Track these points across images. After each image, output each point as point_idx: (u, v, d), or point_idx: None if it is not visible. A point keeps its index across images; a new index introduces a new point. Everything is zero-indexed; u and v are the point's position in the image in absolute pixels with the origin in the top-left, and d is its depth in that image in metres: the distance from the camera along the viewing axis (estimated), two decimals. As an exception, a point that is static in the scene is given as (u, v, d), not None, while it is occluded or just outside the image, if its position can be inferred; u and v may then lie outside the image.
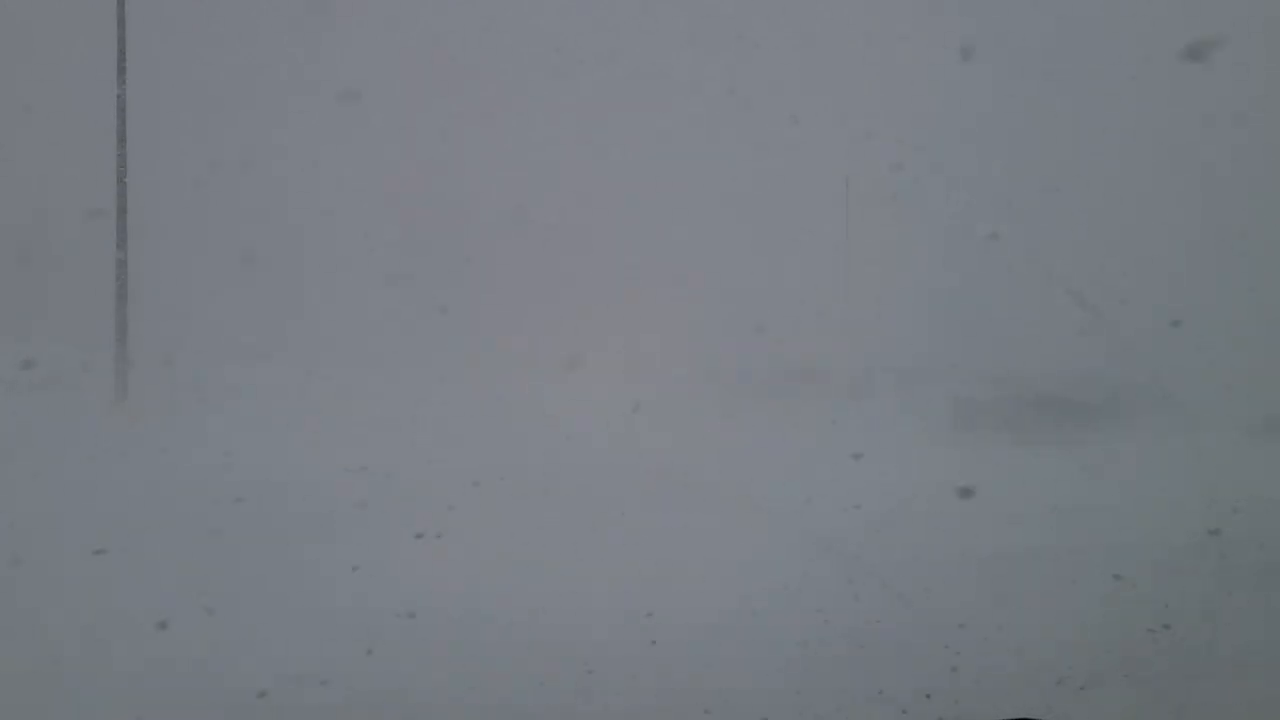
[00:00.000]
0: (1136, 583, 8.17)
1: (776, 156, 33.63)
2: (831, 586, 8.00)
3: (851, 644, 6.67)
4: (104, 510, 10.02)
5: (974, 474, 14.07)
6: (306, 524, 9.92)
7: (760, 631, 7.03)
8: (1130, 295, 25.51)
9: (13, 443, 10.40)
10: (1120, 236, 27.44)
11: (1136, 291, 25.79)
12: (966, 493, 10.45)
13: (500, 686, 5.95)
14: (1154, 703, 5.74)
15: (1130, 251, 26.14)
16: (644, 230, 30.88)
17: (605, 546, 9.48)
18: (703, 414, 20.19)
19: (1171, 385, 21.29)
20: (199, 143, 29.07)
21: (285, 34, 31.70)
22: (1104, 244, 27.87)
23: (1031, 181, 31.46)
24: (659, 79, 33.81)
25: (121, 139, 20.28)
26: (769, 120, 33.56)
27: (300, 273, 25.12)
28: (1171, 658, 6.42)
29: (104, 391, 19.06)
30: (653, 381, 21.46)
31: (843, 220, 34.36)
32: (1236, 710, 5.62)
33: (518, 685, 5.92)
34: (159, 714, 5.50)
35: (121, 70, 20.32)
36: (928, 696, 5.66)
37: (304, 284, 24.44)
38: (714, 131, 33.79)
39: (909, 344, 28.11)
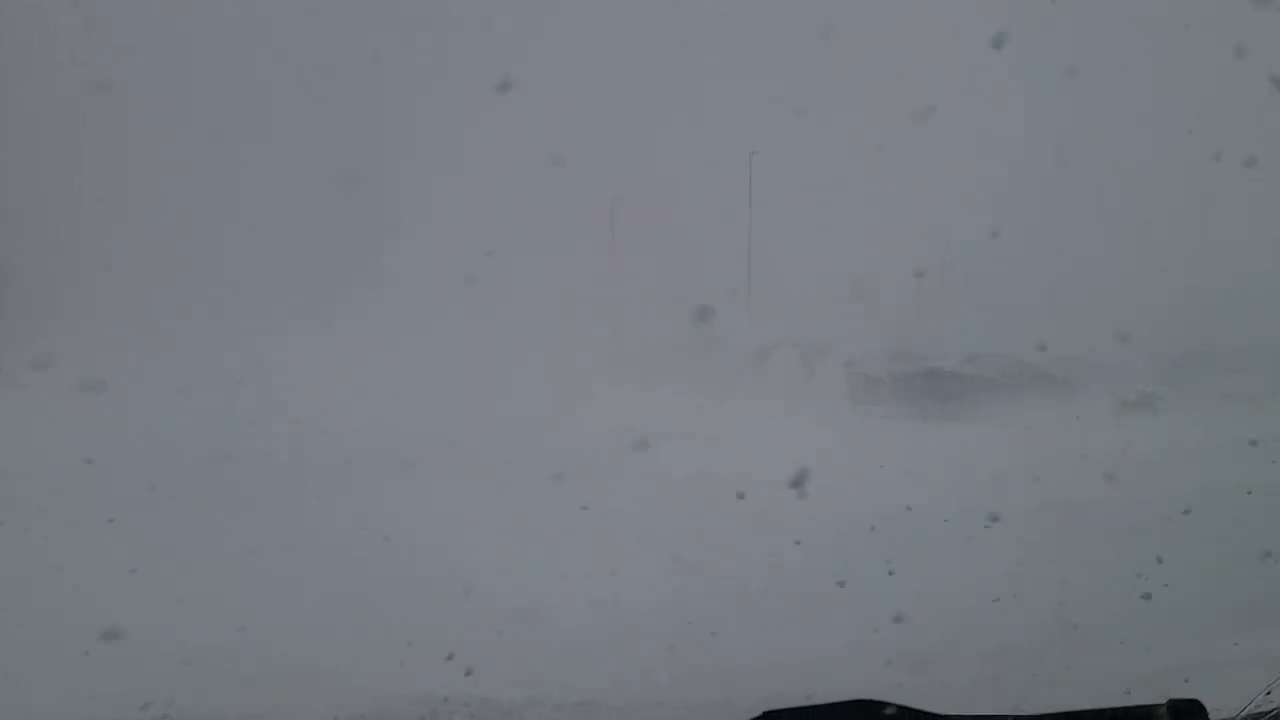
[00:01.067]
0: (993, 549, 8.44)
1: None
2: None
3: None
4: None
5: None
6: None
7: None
8: (1024, 277, 26.51)
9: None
10: (1008, 219, 28.31)
11: (1030, 273, 26.77)
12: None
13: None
14: (1001, 674, 5.67)
15: (1019, 235, 27.03)
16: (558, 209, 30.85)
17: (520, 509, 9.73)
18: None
19: (1055, 362, 22.17)
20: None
21: None
22: (1001, 229, 28.69)
23: (940, 169, 32.24)
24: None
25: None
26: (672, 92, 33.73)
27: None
28: (1021, 628, 6.52)
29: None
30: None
31: (745, 194, 34.82)
32: (1089, 680, 5.83)
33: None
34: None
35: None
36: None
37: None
38: (623, 105, 33.86)
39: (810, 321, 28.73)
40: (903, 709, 1.99)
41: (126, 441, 12.56)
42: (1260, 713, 1.98)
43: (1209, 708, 2.01)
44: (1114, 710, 2.04)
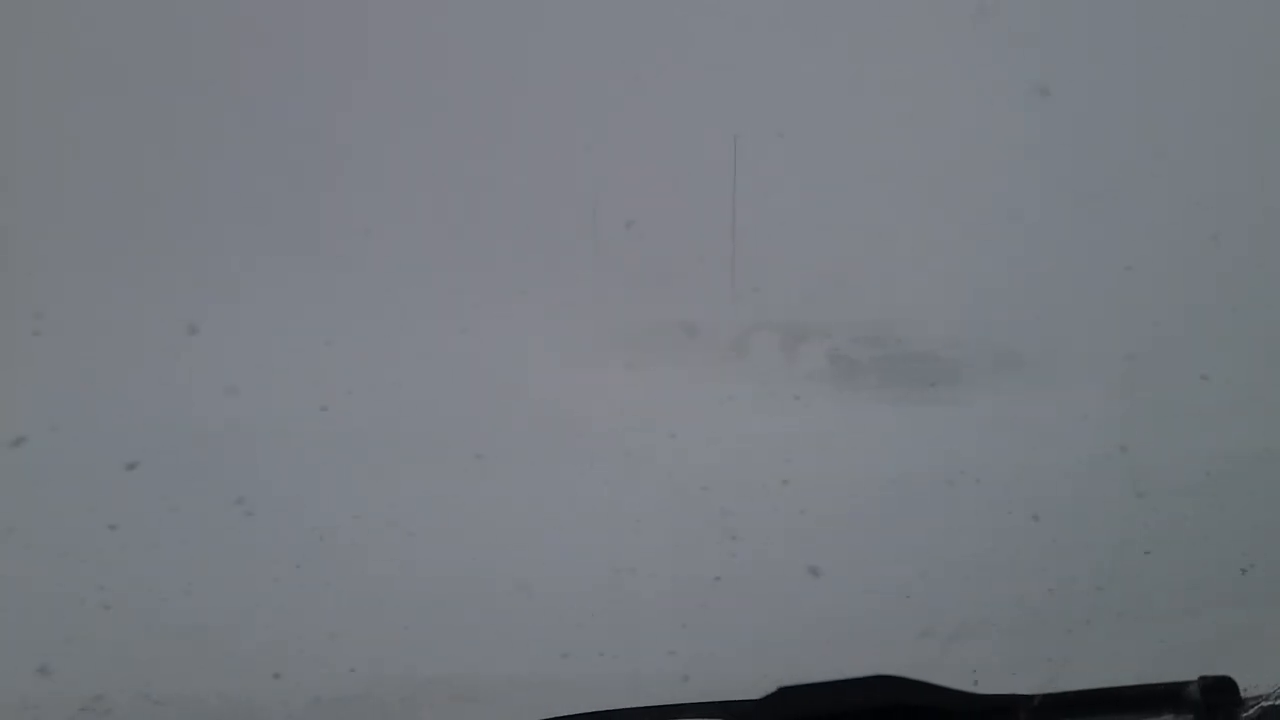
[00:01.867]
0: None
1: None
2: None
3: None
4: None
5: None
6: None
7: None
8: (996, 261, 26.53)
9: None
10: (983, 204, 28.38)
11: (1002, 258, 26.81)
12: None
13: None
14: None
15: (993, 218, 27.09)
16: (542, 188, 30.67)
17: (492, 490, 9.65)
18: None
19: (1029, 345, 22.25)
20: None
21: None
22: (973, 215, 28.73)
23: (913, 149, 32.21)
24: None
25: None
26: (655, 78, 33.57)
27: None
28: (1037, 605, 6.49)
29: None
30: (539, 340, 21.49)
31: (730, 178, 34.66)
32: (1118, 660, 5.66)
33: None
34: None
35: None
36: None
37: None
38: (605, 85, 33.69)
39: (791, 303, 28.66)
40: (923, 685, 1.88)
41: (109, 418, 12.42)
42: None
43: (1241, 685, 1.93)
44: (1142, 687, 1.96)
